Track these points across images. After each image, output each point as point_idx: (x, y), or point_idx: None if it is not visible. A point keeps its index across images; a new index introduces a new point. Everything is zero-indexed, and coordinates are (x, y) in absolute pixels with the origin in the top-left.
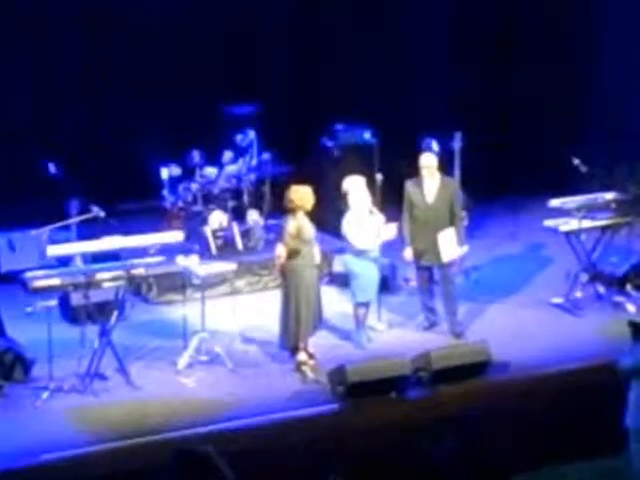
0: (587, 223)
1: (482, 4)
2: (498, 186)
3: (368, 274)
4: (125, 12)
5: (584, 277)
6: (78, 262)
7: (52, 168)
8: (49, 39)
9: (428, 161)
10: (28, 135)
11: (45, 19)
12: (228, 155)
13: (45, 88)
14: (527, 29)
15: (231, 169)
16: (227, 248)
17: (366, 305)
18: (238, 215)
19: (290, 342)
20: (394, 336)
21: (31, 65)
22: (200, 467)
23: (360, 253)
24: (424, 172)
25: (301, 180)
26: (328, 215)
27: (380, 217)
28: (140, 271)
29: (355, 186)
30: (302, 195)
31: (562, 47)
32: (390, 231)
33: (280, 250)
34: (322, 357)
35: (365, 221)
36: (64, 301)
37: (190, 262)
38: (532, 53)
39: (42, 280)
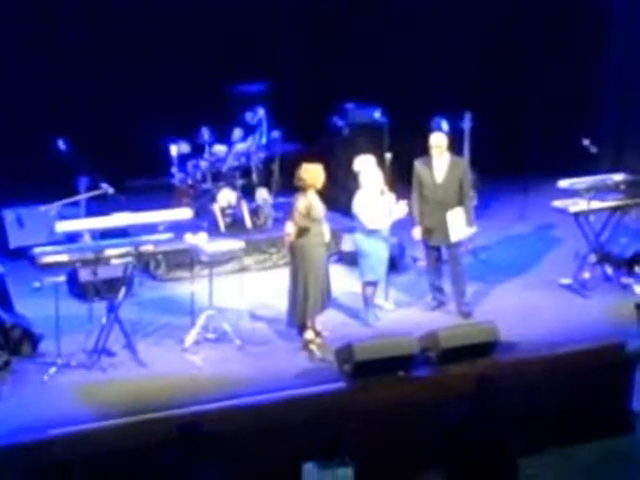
0: (596, 204)
1: None
2: (507, 166)
3: (378, 253)
4: None
5: (592, 258)
6: (87, 238)
7: (62, 144)
8: (59, 18)
9: (438, 140)
10: (38, 112)
11: (54, 5)
12: (238, 133)
13: (54, 65)
14: (540, 10)
15: (240, 147)
16: (236, 226)
17: (375, 284)
18: (247, 193)
19: (298, 320)
20: (402, 315)
21: (40, 43)
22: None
23: (371, 232)
24: (434, 151)
25: (311, 158)
26: (338, 194)
27: (391, 196)
28: (148, 248)
29: (366, 166)
30: (313, 174)
31: (574, 29)
32: (401, 209)
33: (290, 228)
34: (330, 335)
35: (376, 200)
36: (72, 277)
37: (198, 239)
38: (544, 34)
39: (51, 256)
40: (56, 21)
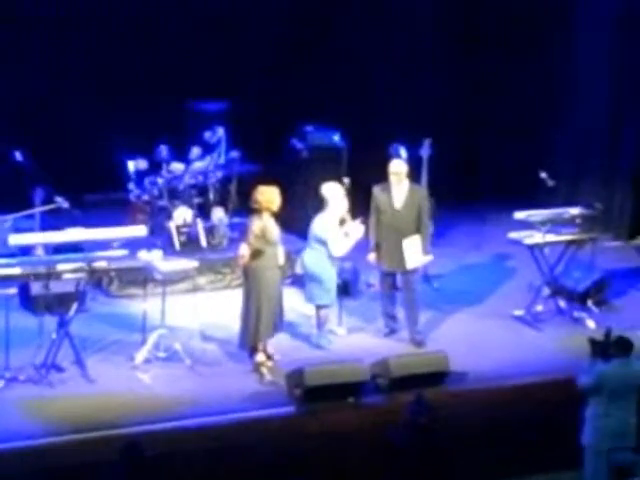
0: (551, 237)
1: (452, 14)
2: (465, 195)
3: (333, 277)
4: (95, 5)
5: (546, 291)
6: (40, 252)
7: (18, 156)
8: (17, 28)
9: (397, 167)
10: None
11: (14, 17)
12: (196, 151)
13: (12, 75)
14: (498, 38)
15: (198, 165)
16: (190, 244)
17: (328, 307)
18: (203, 212)
19: (250, 342)
20: (354, 341)
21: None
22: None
23: (333, 257)
24: (392, 178)
25: (268, 180)
26: (294, 216)
27: (349, 222)
28: (102, 264)
29: (336, 193)
30: (269, 196)
31: (533, 59)
32: (358, 229)
33: (243, 250)
34: (281, 359)
35: (340, 227)
36: (24, 290)
37: (153, 257)
38: (502, 64)
39: (2, 268)
40: (14, 31)
